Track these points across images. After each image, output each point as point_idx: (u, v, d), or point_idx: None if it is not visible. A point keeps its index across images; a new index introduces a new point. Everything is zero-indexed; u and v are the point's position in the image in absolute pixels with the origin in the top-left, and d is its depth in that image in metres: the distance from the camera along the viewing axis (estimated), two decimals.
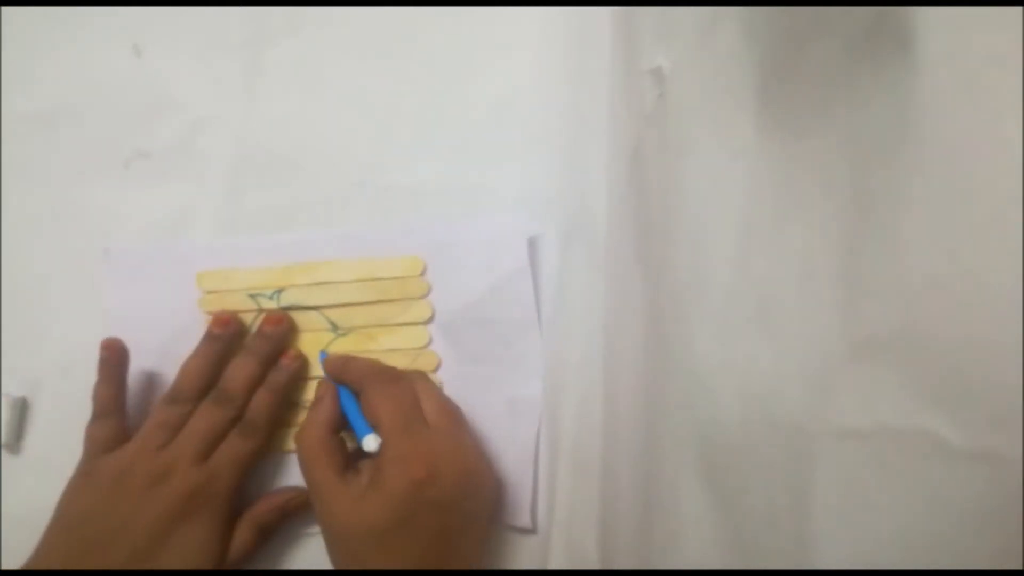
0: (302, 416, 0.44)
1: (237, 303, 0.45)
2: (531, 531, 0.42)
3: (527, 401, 0.43)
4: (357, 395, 0.41)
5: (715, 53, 0.26)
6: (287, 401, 0.44)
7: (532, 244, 0.44)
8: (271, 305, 0.45)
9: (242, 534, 0.41)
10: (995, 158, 0.15)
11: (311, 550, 0.44)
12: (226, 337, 0.43)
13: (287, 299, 0.45)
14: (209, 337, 0.43)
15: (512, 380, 0.43)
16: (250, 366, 0.42)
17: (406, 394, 0.39)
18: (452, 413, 0.41)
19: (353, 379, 0.41)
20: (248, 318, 0.45)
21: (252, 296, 0.45)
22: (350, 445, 0.41)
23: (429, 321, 0.45)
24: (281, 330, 0.44)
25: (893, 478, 0.18)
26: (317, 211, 0.47)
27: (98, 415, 0.42)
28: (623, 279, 0.39)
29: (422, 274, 0.45)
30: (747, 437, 0.23)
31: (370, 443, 0.38)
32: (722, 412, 0.24)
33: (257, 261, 0.46)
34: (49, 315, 0.47)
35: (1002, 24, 0.15)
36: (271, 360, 0.43)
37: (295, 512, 0.43)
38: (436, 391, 0.41)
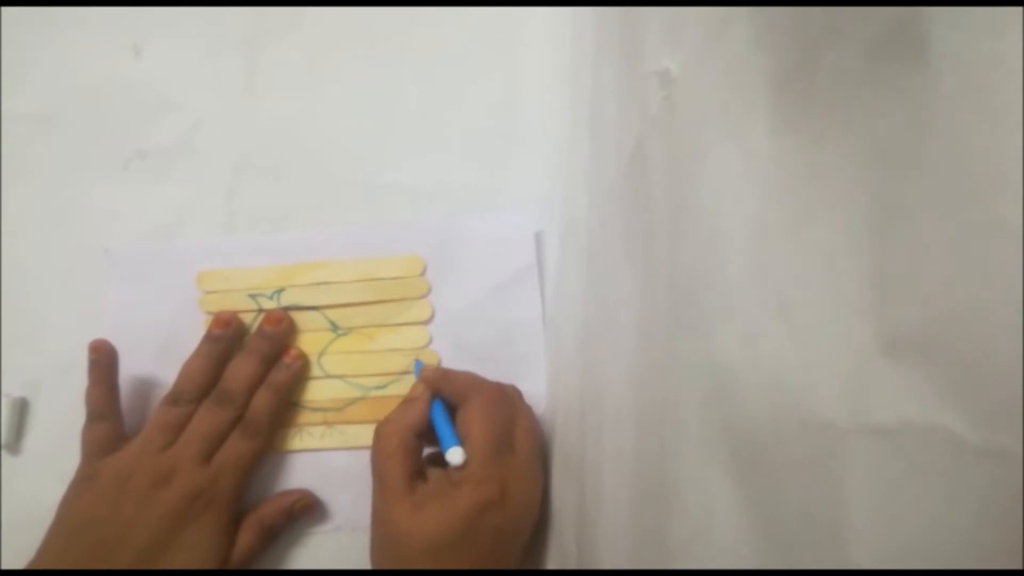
0: (303, 416, 0.44)
1: (237, 303, 0.45)
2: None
3: (530, 399, 0.43)
4: (456, 405, 0.40)
5: (725, 56, 0.26)
6: (288, 401, 0.44)
7: (537, 242, 0.45)
8: (271, 305, 0.45)
9: (246, 535, 0.41)
10: (1010, 160, 0.15)
11: (312, 549, 0.44)
12: (227, 338, 0.43)
13: (287, 299, 0.45)
14: (209, 338, 0.43)
15: (515, 378, 0.43)
16: (251, 366, 0.43)
17: (505, 415, 0.39)
18: (538, 440, 0.40)
19: (455, 389, 0.40)
20: (248, 318, 0.45)
21: (252, 296, 0.45)
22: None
23: (429, 321, 0.45)
24: (281, 329, 0.44)
25: (918, 474, 0.18)
26: (317, 211, 0.47)
27: (93, 417, 0.42)
28: (607, 279, 0.39)
29: (422, 273, 0.45)
30: (778, 435, 0.23)
31: (456, 456, 0.37)
32: (750, 409, 0.24)
33: (257, 261, 0.46)
34: (49, 315, 0.47)
35: (1013, 26, 0.15)
36: (272, 359, 0.43)
37: (301, 514, 0.43)
38: (530, 414, 0.41)
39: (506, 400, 0.40)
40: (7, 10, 0.50)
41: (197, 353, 0.43)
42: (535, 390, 0.43)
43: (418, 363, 0.44)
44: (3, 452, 0.46)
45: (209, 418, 0.41)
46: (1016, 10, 0.15)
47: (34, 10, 0.50)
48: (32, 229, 0.48)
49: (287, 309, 0.45)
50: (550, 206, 0.45)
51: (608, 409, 0.36)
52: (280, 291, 0.45)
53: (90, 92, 0.49)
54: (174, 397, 0.42)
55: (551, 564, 0.41)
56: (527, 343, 0.44)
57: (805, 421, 0.22)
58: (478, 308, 0.44)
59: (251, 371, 0.42)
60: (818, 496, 0.21)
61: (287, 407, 0.44)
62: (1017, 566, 0.15)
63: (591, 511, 0.37)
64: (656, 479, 0.30)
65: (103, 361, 0.42)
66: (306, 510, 0.43)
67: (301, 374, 0.44)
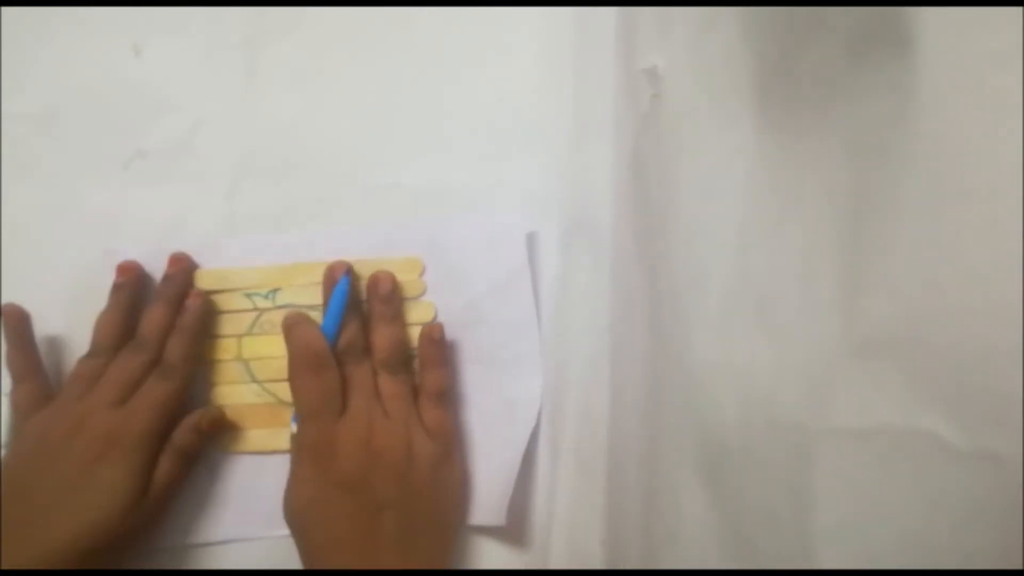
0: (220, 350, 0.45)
1: (233, 302, 0.45)
2: (503, 526, 0.41)
3: (526, 402, 0.43)
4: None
5: (712, 53, 0.26)
6: (201, 339, 0.44)
7: (531, 243, 0.44)
8: (267, 304, 0.45)
9: (163, 464, 0.41)
10: (994, 159, 0.15)
11: None
12: (129, 284, 0.44)
13: (283, 298, 0.45)
14: (115, 288, 0.44)
15: (510, 381, 0.43)
16: (159, 310, 0.43)
17: (327, 384, 0.41)
18: (396, 409, 0.41)
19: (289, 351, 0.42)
20: (247, 318, 0.45)
21: (248, 295, 0.45)
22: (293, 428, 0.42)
23: (428, 322, 0.45)
24: (182, 269, 0.44)
25: (894, 478, 0.18)
26: (316, 211, 0.47)
27: (17, 380, 0.43)
28: (627, 278, 0.39)
29: (421, 275, 0.45)
30: (747, 436, 0.23)
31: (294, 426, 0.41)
32: (722, 412, 0.24)
33: (256, 261, 0.46)
34: (49, 315, 0.47)
35: (1001, 24, 0.15)
36: (180, 302, 0.44)
37: (210, 430, 0.43)
38: (368, 382, 0.42)
39: (326, 369, 0.41)
40: (7, 10, 0.50)
41: (107, 306, 0.44)
42: (531, 391, 0.43)
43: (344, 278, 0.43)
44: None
45: (123, 364, 0.42)
46: (1013, 8, 0.15)
47: (34, 10, 0.50)
48: (32, 229, 0.48)
49: (283, 308, 0.45)
50: (550, 206, 0.45)
51: (629, 411, 0.36)
52: (276, 290, 0.45)
53: (90, 92, 0.49)
54: (91, 351, 0.43)
55: (567, 565, 0.40)
56: (523, 344, 0.43)
57: (774, 422, 0.22)
58: (473, 309, 0.44)
59: (160, 315, 0.43)
60: (785, 497, 0.21)
61: (203, 345, 0.44)
62: (1012, 566, 0.15)
63: (616, 512, 0.37)
64: (650, 479, 0.30)
65: (17, 325, 0.43)
66: (214, 424, 0.43)
67: (206, 311, 0.44)
